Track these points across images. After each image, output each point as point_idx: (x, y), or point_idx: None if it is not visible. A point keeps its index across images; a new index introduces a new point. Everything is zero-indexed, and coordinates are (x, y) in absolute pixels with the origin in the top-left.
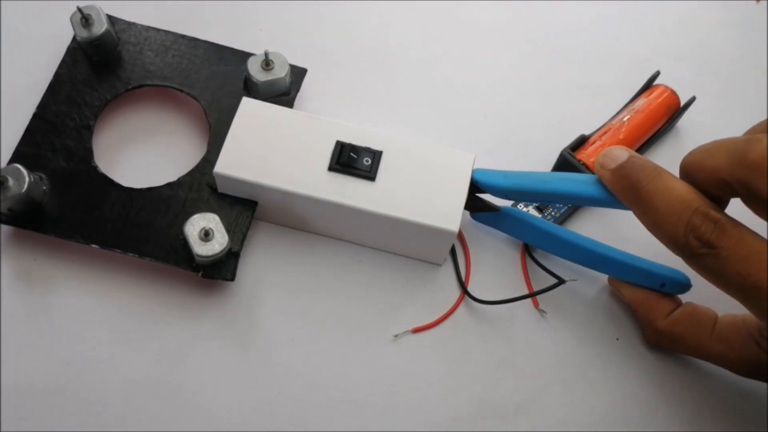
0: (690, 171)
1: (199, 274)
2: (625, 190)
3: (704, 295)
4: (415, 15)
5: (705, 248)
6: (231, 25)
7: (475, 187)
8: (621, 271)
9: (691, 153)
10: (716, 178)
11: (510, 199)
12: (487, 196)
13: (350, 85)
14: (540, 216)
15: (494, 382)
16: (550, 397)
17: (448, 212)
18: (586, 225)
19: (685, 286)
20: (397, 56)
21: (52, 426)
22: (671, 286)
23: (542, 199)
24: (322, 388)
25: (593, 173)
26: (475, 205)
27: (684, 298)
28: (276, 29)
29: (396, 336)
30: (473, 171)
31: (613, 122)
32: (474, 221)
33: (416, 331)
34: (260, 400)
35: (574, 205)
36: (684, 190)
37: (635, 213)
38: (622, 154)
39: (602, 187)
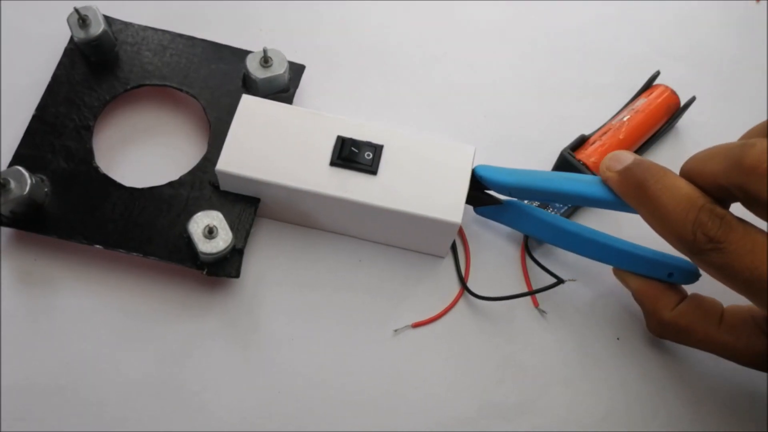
0: (689, 177)
1: (204, 272)
2: (631, 191)
3: (708, 286)
4: (415, 15)
5: (712, 244)
6: (230, 24)
7: (478, 183)
8: (627, 262)
9: (689, 160)
10: (715, 183)
11: (513, 196)
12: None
13: (350, 85)
14: None
15: (495, 382)
16: (550, 396)
17: (450, 204)
18: (587, 223)
19: (693, 275)
20: (397, 56)
21: (54, 426)
22: (679, 276)
23: (546, 198)
24: (323, 386)
25: (594, 171)
26: (477, 198)
27: (689, 289)
28: (275, 29)
29: (396, 331)
30: (476, 167)
31: (613, 122)
32: (475, 217)
33: (416, 326)
34: (262, 398)
35: (576, 205)
36: (689, 188)
37: (642, 213)
38: (627, 156)
39: (607, 188)
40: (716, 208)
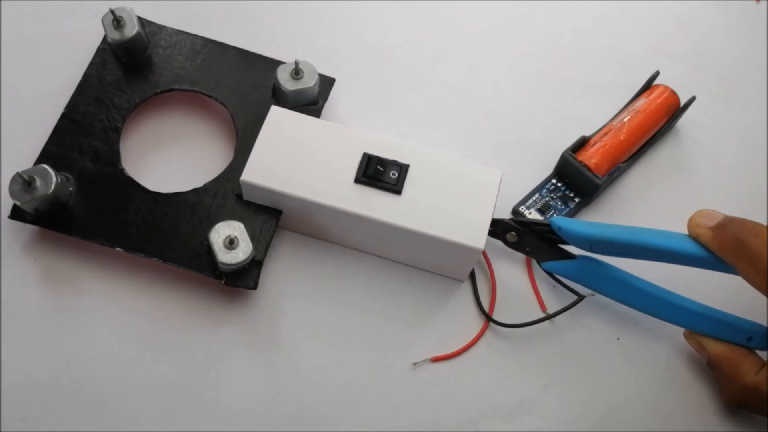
0: None
1: (222, 282)
2: (729, 247)
3: None
4: (414, 16)
5: None
6: (231, 24)
7: (552, 236)
8: (705, 325)
9: None
10: None
11: (593, 250)
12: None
13: (349, 85)
14: (543, 218)
15: (494, 382)
16: (550, 396)
17: (474, 229)
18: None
19: None
20: (397, 56)
21: (56, 426)
22: (759, 340)
23: (630, 253)
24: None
25: (595, 173)
26: (548, 252)
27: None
28: (275, 29)
29: (415, 364)
30: (553, 219)
31: (614, 123)
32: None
33: (435, 360)
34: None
35: (664, 262)
36: None
37: (741, 268)
38: (717, 213)
39: (699, 245)
40: None
